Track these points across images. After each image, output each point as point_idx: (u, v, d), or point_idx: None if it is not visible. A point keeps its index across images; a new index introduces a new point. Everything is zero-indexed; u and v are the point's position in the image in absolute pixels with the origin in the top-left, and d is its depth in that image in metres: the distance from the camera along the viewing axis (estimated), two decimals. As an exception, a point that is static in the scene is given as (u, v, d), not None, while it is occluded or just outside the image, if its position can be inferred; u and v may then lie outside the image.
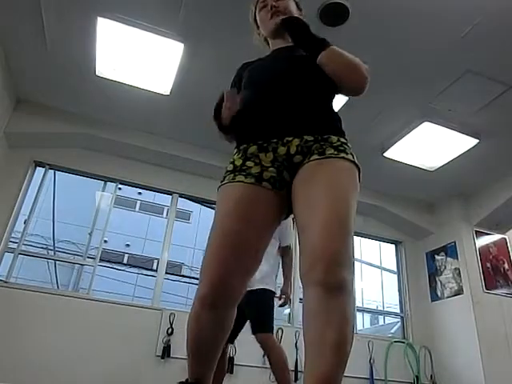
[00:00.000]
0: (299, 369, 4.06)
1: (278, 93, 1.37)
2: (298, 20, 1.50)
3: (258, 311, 2.75)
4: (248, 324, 2.79)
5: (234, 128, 1.42)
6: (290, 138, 1.26)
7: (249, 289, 2.67)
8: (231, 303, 1.23)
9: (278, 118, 1.32)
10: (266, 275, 2.78)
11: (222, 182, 1.30)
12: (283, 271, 2.99)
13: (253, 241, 1.22)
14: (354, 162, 1.26)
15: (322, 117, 1.34)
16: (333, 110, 1.41)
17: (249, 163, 1.27)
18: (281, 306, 2.76)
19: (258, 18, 1.65)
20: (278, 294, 2.92)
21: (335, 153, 1.23)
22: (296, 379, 4.06)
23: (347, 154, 1.26)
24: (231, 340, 2.73)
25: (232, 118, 1.38)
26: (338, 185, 1.19)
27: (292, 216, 1.31)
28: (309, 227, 1.14)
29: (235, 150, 1.35)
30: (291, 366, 3.80)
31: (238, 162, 1.28)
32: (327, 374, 1.00)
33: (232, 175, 1.27)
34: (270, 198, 1.25)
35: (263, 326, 2.72)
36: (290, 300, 4.73)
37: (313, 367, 1.02)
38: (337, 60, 1.37)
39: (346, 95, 1.41)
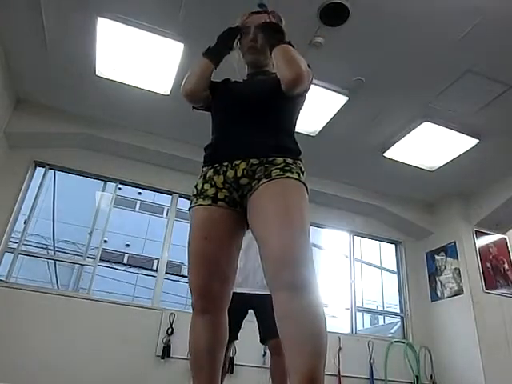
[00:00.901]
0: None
1: (233, 120, 1.51)
2: (276, 25, 1.62)
3: (272, 317, 2.74)
4: (247, 324, 2.79)
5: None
6: (238, 162, 1.38)
7: (256, 292, 2.70)
8: (219, 307, 1.38)
9: (229, 143, 1.47)
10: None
11: (190, 205, 1.46)
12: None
13: (219, 254, 1.37)
14: (299, 180, 1.35)
15: (268, 140, 1.43)
16: (283, 133, 1.48)
17: (206, 186, 1.42)
18: None
19: (239, 42, 1.71)
20: None
21: (281, 173, 1.33)
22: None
23: (292, 173, 1.34)
24: (235, 336, 2.72)
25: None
26: (287, 196, 1.30)
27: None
28: (266, 238, 1.25)
29: (200, 173, 1.49)
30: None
31: (199, 186, 1.44)
32: (308, 372, 1.06)
33: (195, 199, 1.43)
34: (226, 216, 1.39)
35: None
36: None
37: (293, 368, 1.09)
38: (281, 53, 1.48)
39: (287, 91, 1.45)
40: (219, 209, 1.38)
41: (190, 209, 1.46)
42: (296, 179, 1.34)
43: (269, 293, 2.86)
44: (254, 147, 1.40)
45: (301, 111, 1.61)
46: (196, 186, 1.46)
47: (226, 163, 1.40)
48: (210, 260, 1.36)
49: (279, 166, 1.34)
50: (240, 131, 1.46)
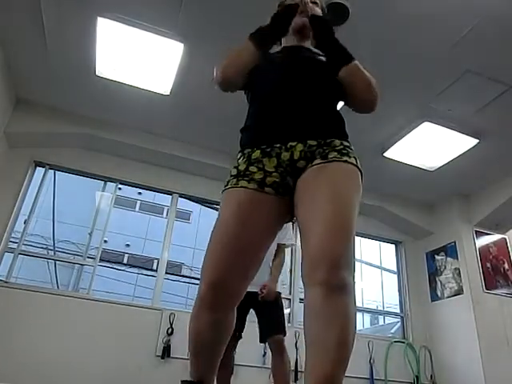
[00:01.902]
0: (299, 369, 4.06)
1: (282, 98, 1.37)
2: (328, 23, 1.51)
3: (274, 313, 2.76)
4: (247, 323, 2.80)
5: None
6: (294, 143, 1.26)
7: (258, 290, 2.69)
8: (230, 305, 1.25)
9: (281, 123, 1.32)
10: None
11: (225, 186, 1.30)
12: (270, 269, 2.81)
13: (253, 245, 1.24)
14: (356, 166, 1.27)
15: (325, 121, 1.34)
16: (337, 113, 1.42)
17: (252, 168, 1.26)
18: (262, 298, 2.68)
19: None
20: (282, 293, 2.91)
21: (338, 156, 1.24)
22: (296, 379, 4.05)
23: (350, 157, 1.26)
24: (240, 335, 2.72)
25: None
26: (340, 187, 1.20)
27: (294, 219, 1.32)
28: (311, 230, 1.15)
29: (239, 154, 1.35)
30: (291, 366, 3.80)
31: (242, 167, 1.28)
32: (328, 374, 1.00)
33: (235, 180, 1.27)
34: (271, 204, 1.25)
35: (282, 326, 2.71)
36: (290, 300, 4.75)
37: (314, 367, 1.03)
38: (358, 77, 1.40)
39: (356, 111, 1.44)
40: (265, 196, 1.24)
41: (225, 190, 1.29)
42: (354, 165, 1.26)
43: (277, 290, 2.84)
44: (312, 127, 1.30)
45: None
46: (237, 167, 1.29)
47: (278, 144, 1.27)
48: (242, 249, 1.21)
49: (337, 148, 1.26)
50: (292, 111, 1.33)
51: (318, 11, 1.60)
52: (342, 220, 1.15)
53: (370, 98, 1.41)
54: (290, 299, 4.76)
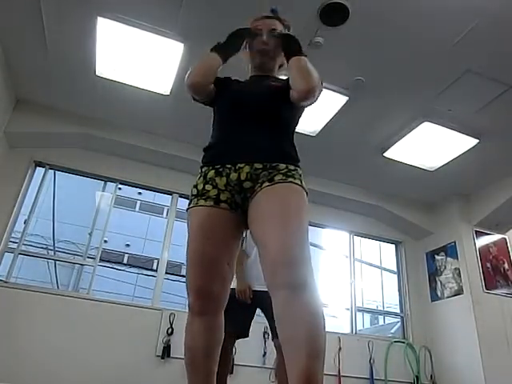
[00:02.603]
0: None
1: (236, 122, 1.51)
2: (292, 36, 1.65)
3: None
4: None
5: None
6: (242, 165, 1.39)
7: (263, 289, 2.70)
8: (217, 308, 1.38)
9: (232, 146, 1.46)
10: None
11: (188, 205, 1.45)
12: None
13: (218, 256, 1.37)
14: (301, 186, 1.37)
15: (272, 146, 1.45)
16: (285, 140, 1.50)
17: (207, 187, 1.41)
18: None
19: (248, 43, 1.71)
20: None
21: (283, 178, 1.35)
22: None
23: (295, 179, 1.37)
24: (245, 334, 2.73)
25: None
26: (287, 201, 1.32)
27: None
28: (264, 239, 1.27)
29: (199, 173, 1.48)
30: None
31: (200, 187, 1.43)
32: (305, 371, 1.05)
33: (196, 199, 1.42)
34: (227, 217, 1.39)
35: None
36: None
37: (291, 367, 1.09)
38: (299, 64, 1.50)
39: (296, 101, 1.48)
40: (221, 210, 1.38)
41: (188, 209, 1.45)
42: (298, 185, 1.36)
43: None
44: (259, 151, 1.41)
45: (300, 119, 1.64)
46: (196, 187, 1.44)
47: (228, 165, 1.40)
48: (211, 260, 1.35)
49: (282, 172, 1.36)
50: (244, 134, 1.47)
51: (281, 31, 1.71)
52: (291, 226, 1.25)
53: (303, 87, 1.44)
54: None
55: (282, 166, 1.38)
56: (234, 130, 1.50)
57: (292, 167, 1.40)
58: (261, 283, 2.75)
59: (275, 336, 2.66)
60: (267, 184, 1.34)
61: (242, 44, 1.68)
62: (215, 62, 1.59)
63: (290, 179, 1.35)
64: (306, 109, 1.60)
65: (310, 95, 1.45)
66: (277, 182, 1.33)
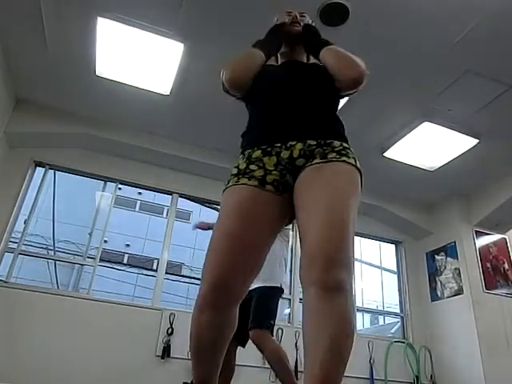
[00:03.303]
0: (299, 369, 4.05)
1: (283, 100, 1.41)
2: (314, 28, 1.69)
3: (254, 308, 2.64)
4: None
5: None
6: (294, 143, 1.29)
7: (253, 286, 2.61)
8: (232, 303, 1.23)
9: (282, 124, 1.36)
10: (263, 272, 2.73)
11: (226, 185, 1.31)
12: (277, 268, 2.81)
13: (254, 242, 1.23)
14: (355, 166, 1.29)
15: (325, 122, 1.38)
16: (336, 117, 1.45)
17: (252, 167, 1.29)
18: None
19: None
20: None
21: (337, 156, 1.26)
22: (296, 379, 4.05)
23: (349, 157, 1.28)
24: (242, 343, 2.68)
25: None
26: (337, 187, 1.21)
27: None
28: (307, 230, 1.16)
29: (240, 156, 1.37)
30: (291, 366, 3.80)
31: (242, 166, 1.31)
32: (327, 375, 1.00)
33: (236, 178, 1.29)
34: (272, 201, 1.26)
35: (256, 321, 2.58)
36: (290, 300, 4.73)
37: (312, 368, 1.02)
38: (333, 54, 1.46)
39: (345, 90, 1.44)
40: (266, 193, 1.25)
41: (226, 187, 1.30)
42: (353, 165, 1.28)
43: (258, 285, 2.76)
44: (312, 128, 1.33)
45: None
46: (238, 166, 1.32)
47: (278, 144, 1.30)
48: (244, 245, 1.20)
49: (336, 149, 1.28)
50: (293, 112, 1.37)
51: (308, 22, 1.74)
52: (336, 219, 1.15)
53: (349, 70, 1.40)
54: (290, 299, 4.75)
55: (337, 143, 1.30)
56: (282, 108, 1.39)
57: (346, 145, 1.33)
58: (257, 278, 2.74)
59: (251, 327, 2.56)
60: (319, 160, 1.25)
61: (283, 40, 1.64)
62: (259, 57, 1.52)
63: (344, 158, 1.26)
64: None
65: (360, 82, 1.39)
66: (330, 160, 1.24)
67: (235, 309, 1.25)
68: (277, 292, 2.76)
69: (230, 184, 1.29)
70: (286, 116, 1.37)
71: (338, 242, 1.12)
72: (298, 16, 1.68)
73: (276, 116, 1.39)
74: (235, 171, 1.31)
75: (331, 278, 1.07)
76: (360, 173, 1.30)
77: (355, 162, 1.29)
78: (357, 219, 1.23)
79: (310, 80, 1.47)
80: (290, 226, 3.02)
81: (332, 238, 1.12)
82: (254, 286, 2.64)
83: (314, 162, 1.25)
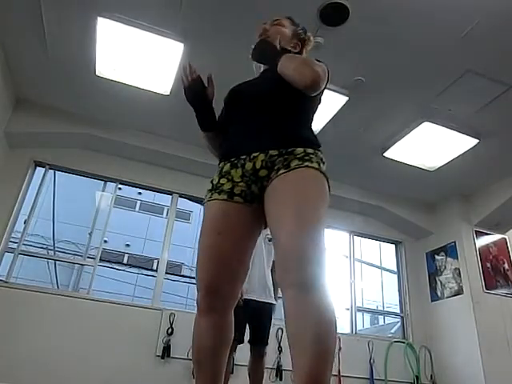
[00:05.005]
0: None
1: (246, 113, 1.49)
2: (263, 41, 1.61)
3: (266, 325, 2.91)
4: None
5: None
6: (256, 154, 1.35)
7: (261, 300, 2.83)
8: (227, 306, 1.33)
9: (244, 136, 1.44)
10: (266, 286, 2.92)
11: (204, 200, 1.42)
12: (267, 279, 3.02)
13: (231, 252, 1.32)
14: (318, 169, 1.32)
15: (286, 131, 1.41)
16: (300, 122, 1.47)
17: (222, 180, 1.38)
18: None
19: None
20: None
21: (299, 163, 1.29)
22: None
23: (312, 162, 1.31)
24: (240, 340, 2.76)
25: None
26: (302, 191, 1.26)
27: None
28: (278, 234, 1.23)
29: (217, 170, 1.46)
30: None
31: (215, 181, 1.41)
32: (312, 373, 1.03)
33: (210, 194, 1.39)
34: (243, 211, 1.35)
35: (265, 339, 2.89)
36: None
37: (298, 368, 1.07)
38: (285, 66, 1.44)
39: (306, 93, 1.44)
40: (235, 204, 1.34)
41: (203, 204, 1.42)
42: (316, 169, 1.30)
43: (269, 301, 2.97)
44: (273, 138, 1.37)
45: (319, 106, 1.61)
46: (212, 181, 1.42)
47: (243, 156, 1.36)
48: (222, 256, 1.31)
49: (298, 156, 1.31)
50: (257, 124, 1.44)
51: (283, 31, 1.68)
52: (304, 222, 1.20)
53: (300, 75, 1.39)
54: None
55: (299, 150, 1.32)
56: (245, 121, 1.47)
57: (310, 150, 1.34)
58: (258, 293, 2.84)
59: (256, 343, 2.87)
60: (283, 171, 1.29)
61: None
62: None
63: (307, 163, 1.29)
64: (322, 94, 1.56)
65: (314, 88, 1.40)
66: (293, 168, 1.28)
67: (231, 311, 1.34)
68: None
69: (205, 200, 1.40)
70: (248, 128, 1.45)
71: (307, 243, 1.17)
72: (268, 26, 1.68)
73: (240, 129, 1.47)
74: (210, 186, 1.41)
75: (304, 277, 1.12)
76: (325, 176, 1.34)
77: (319, 165, 1.32)
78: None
79: (273, 87, 1.49)
80: None
81: (300, 240, 1.16)
82: (264, 299, 2.86)
83: (279, 172, 1.30)
